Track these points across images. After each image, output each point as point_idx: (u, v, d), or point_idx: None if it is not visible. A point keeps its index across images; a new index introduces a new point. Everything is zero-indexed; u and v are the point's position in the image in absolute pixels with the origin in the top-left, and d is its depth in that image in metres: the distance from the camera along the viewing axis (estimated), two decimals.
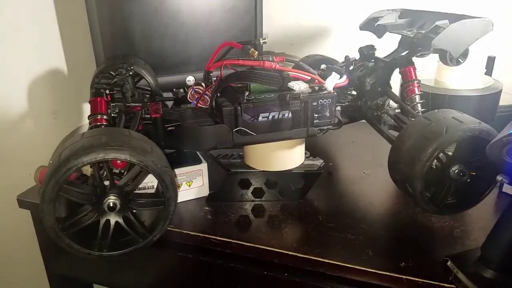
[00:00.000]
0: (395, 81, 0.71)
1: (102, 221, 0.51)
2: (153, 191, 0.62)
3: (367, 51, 0.70)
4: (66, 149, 0.47)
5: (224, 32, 0.86)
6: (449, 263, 0.51)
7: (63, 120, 0.93)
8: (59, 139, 0.78)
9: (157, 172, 0.49)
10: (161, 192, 0.51)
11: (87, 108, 0.97)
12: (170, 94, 0.87)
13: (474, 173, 0.57)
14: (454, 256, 0.52)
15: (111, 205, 0.50)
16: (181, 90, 0.85)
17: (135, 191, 0.53)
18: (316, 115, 0.60)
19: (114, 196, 0.50)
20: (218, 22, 0.86)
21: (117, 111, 0.61)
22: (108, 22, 0.80)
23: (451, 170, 0.56)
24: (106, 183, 0.51)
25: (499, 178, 0.47)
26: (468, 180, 0.57)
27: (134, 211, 0.53)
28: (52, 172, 0.45)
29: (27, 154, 0.85)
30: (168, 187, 0.50)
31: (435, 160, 0.54)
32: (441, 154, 0.54)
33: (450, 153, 0.57)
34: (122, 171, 0.53)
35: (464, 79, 0.76)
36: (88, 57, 0.82)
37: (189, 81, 0.87)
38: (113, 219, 0.52)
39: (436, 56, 0.68)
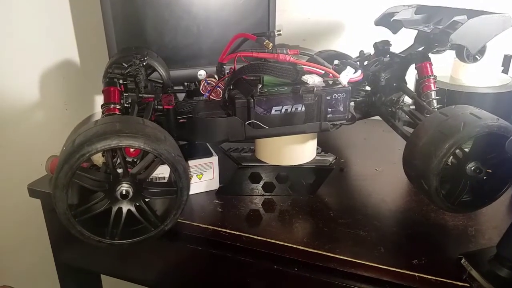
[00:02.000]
0: (410, 77, 0.70)
1: (114, 209, 0.51)
2: (164, 181, 0.61)
3: (382, 46, 0.69)
4: (80, 136, 0.47)
5: (236, 25, 0.86)
6: (463, 261, 0.50)
7: (74, 111, 0.94)
8: (70, 130, 0.78)
9: (170, 161, 0.49)
10: (174, 181, 0.51)
11: (98, 100, 0.98)
12: (181, 88, 0.87)
13: (490, 171, 0.56)
14: (468, 254, 0.51)
15: (124, 193, 0.50)
16: (193, 84, 0.85)
17: (147, 180, 0.53)
18: (330, 110, 0.59)
19: (127, 184, 0.50)
20: (230, 15, 0.85)
21: (129, 101, 0.61)
22: (121, 14, 0.80)
23: (467, 167, 0.55)
24: (119, 171, 0.50)
25: None
26: (484, 178, 0.56)
27: (146, 199, 0.53)
28: (66, 158, 0.45)
29: (38, 144, 0.86)
30: (181, 176, 0.50)
31: (451, 157, 0.53)
32: (457, 150, 0.53)
33: (466, 150, 0.56)
34: (135, 159, 0.52)
35: (480, 77, 0.75)
36: (101, 49, 0.83)
37: (201, 75, 0.87)
38: (125, 207, 0.52)
39: (452, 53, 0.67)
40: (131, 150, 0.51)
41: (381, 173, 0.74)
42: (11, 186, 0.84)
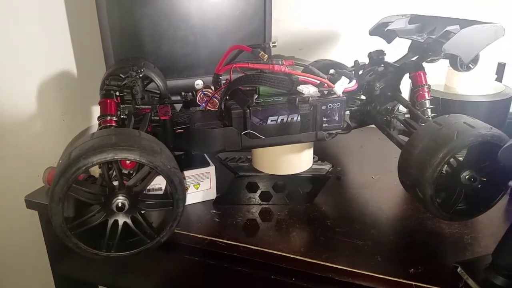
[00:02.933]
0: (405, 87, 0.71)
1: (110, 221, 0.51)
2: (160, 192, 0.62)
3: (376, 56, 0.69)
4: (76, 149, 0.47)
5: (233, 36, 0.87)
6: (459, 269, 0.51)
7: (72, 122, 0.94)
8: (67, 141, 0.78)
9: (166, 173, 0.49)
10: (170, 193, 0.51)
11: (95, 110, 0.98)
12: (178, 98, 0.87)
13: (485, 179, 0.57)
14: (464, 262, 0.51)
15: (120, 206, 0.50)
16: (190, 94, 0.85)
17: (143, 192, 0.53)
18: (325, 119, 0.60)
19: (123, 196, 0.50)
20: (227, 25, 0.86)
21: (126, 112, 0.61)
22: (118, 25, 0.80)
23: (461, 176, 0.56)
24: (115, 183, 0.51)
25: (511, 183, 0.46)
26: (479, 186, 0.56)
27: (142, 211, 0.53)
28: (62, 171, 0.46)
29: (35, 155, 0.86)
30: (177, 188, 0.50)
31: (446, 165, 0.54)
32: (451, 159, 0.54)
33: (460, 158, 0.56)
34: (131, 171, 0.53)
35: (474, 85, 0.76)
36: (98, 59, 0.83)
37: (198, 84, 0.87)
38: (121, 219, 0.52)
39: (446, 61, 0.68)
40: (127, 162, 0.51)
41: (377, 181, 0.74)
42: (8, 197, 0.84)
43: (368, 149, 0.87)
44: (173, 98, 0.85)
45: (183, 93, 0.86)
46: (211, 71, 0.65)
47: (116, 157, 0.46)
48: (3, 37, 0.80)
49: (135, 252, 0.52)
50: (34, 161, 0.80)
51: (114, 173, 0.50)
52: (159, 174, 0.49)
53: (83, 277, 0.76)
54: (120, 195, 0.50)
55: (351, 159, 0.84)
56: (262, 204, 0.67)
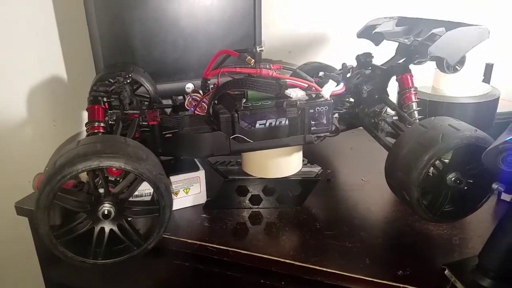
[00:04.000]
0: (393, 89, 0.71)
1: (97, 229, 0.51)
2: (149, 198, 0.62)
3: (364, 59, 0.70)
4: (62, 157, 0.47)
5: (223, 39, 0.87)
6: (446, 271, 0.51)
7: (62, 127, 0.94)
8: (58, 146, 0.78)
9: (152, 180, 0.49)
10: (156, 199, 0.51)
11: (86, 116, 0.97)
12: (169, 101, 0.87)
13: (471, 181, 0.57)
14: (451, 264, 0.52)
15: (106, 213, 0.50)
16: (180, 97, 0.85)
17: (130, 199, 0.53)
18: (313, 122, 0.60)
19: (109, 203, 0.50)
20: (217, 29, 0.86)
21: (114, 118, 0.61)
22: (107, 30, 0.80)
23: (447, 178, 0.56)
24: (101, 190, 0.51)
25: (494, 186, 0.47)
26: (465, 188, 0.57)
27: (129, 218, 0.53)
28: (47, 180, 0.46)
29: (26, 161, 0.86)
30: (163, 195, 0.50)
31: (432, 168, 0.54)
32: (437, 162, 0.54)
33: (446, 161, 0.56)
34: (118, 178, 0.53)
35: (461, 86, 0.76)
36: (88, 64, 0.83)
37: (188, 88, 0.87)
38: (108, 227, 0.52)
39: (434, 63, 0.68)
40: (113, 169, 0.51)
41: (367, 183, 0.74)
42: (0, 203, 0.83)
43: (358, 151, 0.87)
44: (164, 102, 0.85)
45: (173, 97, 0.86)
46: (201, 75, 0.65)
47: (101, 165, 0.46)
48: None
49: (122, 259, 0.52)
50: (25, 167, 0.80)
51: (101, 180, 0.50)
52: (145, 181, 0.49)
53: (74, 283, 0.75)
54: (106, 202, 0.50)
55: (341, 161, 0.84)
56: (252, 208, 0.67)
